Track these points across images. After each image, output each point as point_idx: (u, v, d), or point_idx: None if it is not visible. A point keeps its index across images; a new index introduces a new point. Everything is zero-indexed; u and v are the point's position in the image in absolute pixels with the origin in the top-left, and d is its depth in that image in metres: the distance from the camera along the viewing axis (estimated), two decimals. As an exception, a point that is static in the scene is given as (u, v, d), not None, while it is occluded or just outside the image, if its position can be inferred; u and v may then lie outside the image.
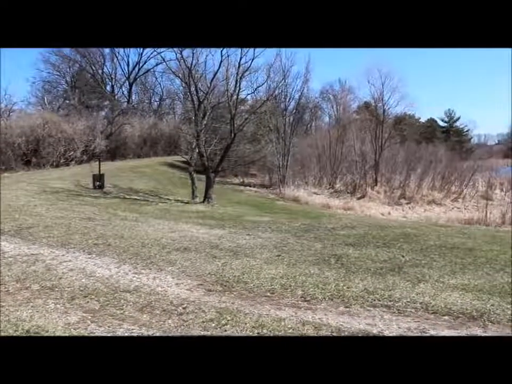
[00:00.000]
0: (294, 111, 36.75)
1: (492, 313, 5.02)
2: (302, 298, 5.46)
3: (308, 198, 24.71)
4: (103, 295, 5.32)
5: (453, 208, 25.00)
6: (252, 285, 5.95)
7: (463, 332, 4.48)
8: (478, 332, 4.50)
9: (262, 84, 27.62)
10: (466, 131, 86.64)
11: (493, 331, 4.53)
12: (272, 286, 5.89)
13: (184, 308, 4.99)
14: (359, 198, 27.54)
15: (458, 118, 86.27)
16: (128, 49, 51.36)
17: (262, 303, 5.27)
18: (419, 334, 4.45)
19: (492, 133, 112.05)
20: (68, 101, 46.26)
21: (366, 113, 41.37)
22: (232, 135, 20.14)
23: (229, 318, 4.67)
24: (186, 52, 18.96)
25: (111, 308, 4.94)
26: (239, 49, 19.04)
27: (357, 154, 33.90)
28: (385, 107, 35.54)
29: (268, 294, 5.62)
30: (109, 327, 4.45)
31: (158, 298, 5.31)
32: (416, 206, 25.42)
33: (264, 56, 49.28)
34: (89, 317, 4.65)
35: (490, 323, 4.74)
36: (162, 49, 29.71)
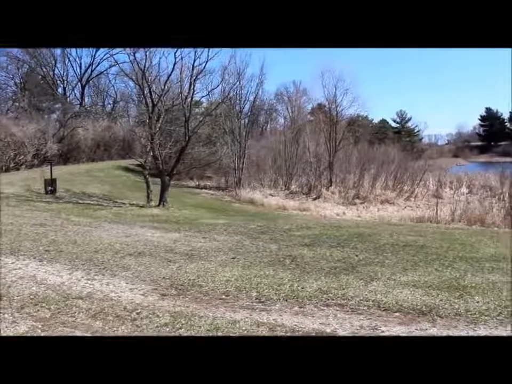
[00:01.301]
0: (249, 113, 36.89)
1: (441, 308, 5.17)
2: (257, 300, 5.48)
3: (263, 200, 24.81)
4: (54, 303, 5.21)
5: (405, 207, 25.57)
6: (206, 288, 5.94)
7: (412, 328, 4.60)
8: (427, 326, 4.63)
9: (217, 86, 27.56)
10: (417, 131, 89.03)
11: (441, 325, 4.66)
12: (227, 289, 5.89)
13: (138, 313, 4.93)
14: (314, 199, 27.83)
15: (410, 119, 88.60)
16: (81, 50, 50.40)
17: (216, 305, 5.27)
18: (421, 334, 4.52)
19: (441, 133, 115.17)
20: (17, 103, 45.00)
21: (320, 115, 41.83)
22: (187, 137, 20.05)
23: (183, 322, 4.65)
24: (140, 53, 18.79)
25: (63, 315, 4.84)
26: (193, 51, 18.98)
27: (312, 155, 34.26)
28: (338, 108, 36.15)
29: (223, 296, 5.62)
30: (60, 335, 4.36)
31: (111, 304, 5.23)
32: (370, 205, 25.87)
33: (219, 58, 49.29)
34: (40, 326, 4.54)
35: (438, 318, 4.88)
36: (115, 51, 29.29)
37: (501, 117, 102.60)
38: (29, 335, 4.33)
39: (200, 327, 4.55)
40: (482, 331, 4.52)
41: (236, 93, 33.98)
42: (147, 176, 20.29)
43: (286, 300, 5.47)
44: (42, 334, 4.39)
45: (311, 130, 38.92)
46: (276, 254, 8.21)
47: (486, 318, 4.88)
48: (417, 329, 4.57)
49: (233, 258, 7.77)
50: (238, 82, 32.77)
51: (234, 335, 4.42)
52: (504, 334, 4.46)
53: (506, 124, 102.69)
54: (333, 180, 32.59)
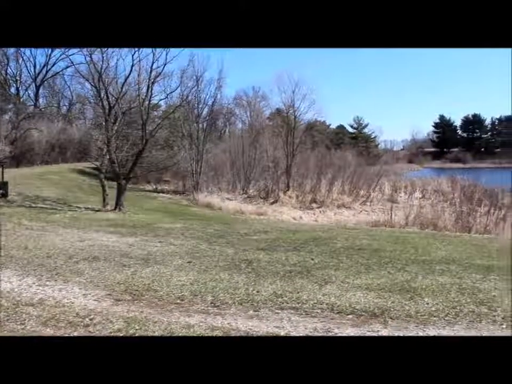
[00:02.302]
0: (208, 117, 36.78)
1: (392, 310, 5.30)
2: (212, 304, 5.48)
3: (221, 204, 24.78)
4: (4, 310, 5.08)
5: (361, 211, 26.02)
6: (161, 292, 5.91)
7: (364, 329, 4.69)
8: (379, 328, 4.73)
9: (175, 89, 27.30)
10: (374, 137, 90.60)
11: (392, 327, 4.78)
12: (182, 293, 5.87)
13: (91, 319, 4.86)
14: (272, 203, 27.99)
15: (367, 125, 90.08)
16: (35, 50, 49.09)
17: (171, 310, 5.25)
18: (421, 334, 4.60)
19: (397, 139, 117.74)
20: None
21: (278, 120, 42.13)
22: (144, 141, 19.82)
23: (137, 327, 4.61)
24: (97, 55, 18.46)
25: (12, 323, 4.72)
26: (151, 54, 18.79)
27: (270, 159, 34.48)
28: (296, 113, 36.50)
29: (178, 301, 5.60)
30: (8, 343, 4.25)
31: (64, 310, 5.14)
32: (326, 210, 26.19)
33: (177, 61, 49.00)
34: (-13, 333, 4.41)
35: (390, 319, 5.00)
36: (71, 51, 28.73)
37: (453, 124, 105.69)
38: (29, 335, 4.34)
39: (154, 332, 4.53)
40: (431, 331, 4.66)
41: (195, 96, 33.86)
42: (103, 179, 19.96)
43: (241, 304, 5.49)
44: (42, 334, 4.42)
45: (270, 135, 39.15)
46: (232, 258, 8.22)
47: (434, 319, 5.03)
48: (369, 331, 4.66)
49: (189, 262, 7.75)
50: (196, 86, 32.66)
51: (234, 335, 4.48)
52: (477, 333, 4.60)
53: (458, 131, 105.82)
54: (290, 184, 32.84)
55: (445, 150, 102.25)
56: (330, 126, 75.45)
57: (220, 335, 4.50)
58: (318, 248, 9.35)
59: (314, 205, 27.57)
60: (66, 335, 4.47)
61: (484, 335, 4.55)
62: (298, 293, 5.93)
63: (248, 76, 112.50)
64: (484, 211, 18.90)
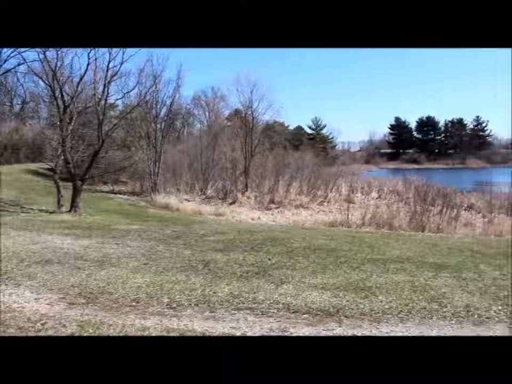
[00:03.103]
0: (166, 117, 36.43)
1: (347, 308, 5.39)
2: (168, 306, 5.45)
3: (179, 205, 24.56)
4: (-50, 316, 4.91)
5: (318, 212, 26.26)
6: (116, 295, 5.83)
7: (320, 328, 4.75)
8: (333, 326, 4.80)
9: (132, 89, 26.83)
10: (331, 138, 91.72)
11: (347, 325, 4.85)
12: (138, 295, 5.81)
13: (42, 324, 4.76)
14: (230, 204, 27.95)
15: (325, 126, 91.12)
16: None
17: (126, 313, 5.19)
18: (421, 334, 4.64)
19: (354, 140, 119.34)
20: None
21: (237, 120, 42.11)
22: (100, 141, 19.48)
23: (91, 331, 4.54)
24: (51, 52, 18.00)
25: (-42, 329, 4.57)
26: (108, 52, 18.49)
27: (228, 160, 34.44)
28: (254, 114, 36.56)
29: (133, 303, 5.54)
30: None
31: (14, 315, 5.00)
32: (284, 210, 26.32)
33: (135, 60, 48.10)
34: None
35: (345, 318, 5.08)
36: (23, 49, 28.01)
37: (409, 126, 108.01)
38: (29, 335, 4.33)
39: (108, 335, 4.46)
40: (384, 329, 4.76)
41: (153, 96, 33.48)
42: (57, 180, 19.50)
43: (197, 305, 5.48)
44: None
45: (228, 136, 39.09)
46: (189, 259, 8.18)
47: (388, 316, 5.15)
48: (324, 330, 4.73)
49: (145, 264, 7.67)
50: (154, 86, 32.28)
51: (234, 335, 4.51)
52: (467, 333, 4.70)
53: (413, 132, 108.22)
54: (248, 185, 32.87)
55: (400, 151, 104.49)
56: (289, 127, 75.90)
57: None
58: (275, 249, 9.40)
59: (272, 206, 27.68)
60: (65, 335, 4.46)
61: (483, 335, 4.61)
62: (254, 293, 5.96)
63: (207, 76, 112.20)
64: (437, 211, 19.40)
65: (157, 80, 32.36)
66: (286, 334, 4.63)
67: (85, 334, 4.47)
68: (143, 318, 5.01)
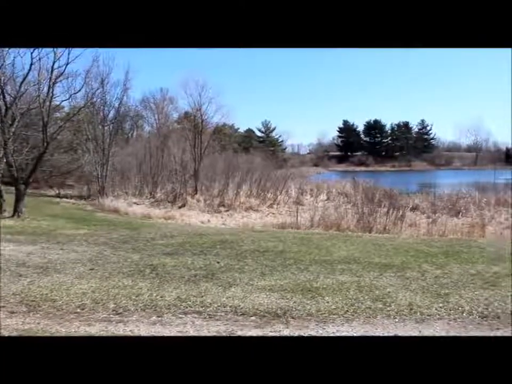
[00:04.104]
0: (114, 119, 35.80)
1: (294, 309, 5.45)
2: (114, 312, 5.36)
3: (128, 209, 24.16)
4: None
5: (268, 214, 26.36)
6: (60, 302, 5.69)
7: (267, 330, 4.78)
8: (281, 328, 4.84)
9: (79, 90, 26.14)
10: (281, 141, 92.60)
11: (293, 326, 4.90)
12: (83, 302, 5.69)
13: (-20, 334, 4.58)
14: (179, 207, 27.69)
15: (274, 129, 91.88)
16: None
17: (70, 320, 5.07)
18: (421, 335, 4.67)
19: (304, 142, 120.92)
20: None
21: (186, 123, 41.83)
22: (45, 143, 18.94)
23: (32, 340, 4.40)
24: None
25: None
26: (52, 52, 17.97)
27: (178, 163, 34.13)
28: (203, 117, 36.37)
29: (78, 310, 5.42)
30: None
31: (-50, 325, 4.81)
32: (234, 213, 26.30)
33: (81, 61, 47.16)
34: None
35: (292, 319, 5.14)
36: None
37: (357, 129, 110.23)
38: (29, 335, 4.33)
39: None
40: (330, 329, 4.84)
41: (100, 98, 32.81)
42: (-1, 184, 18.85)
43: (144, 310, 5.41)
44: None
45: (178, 138, 38.74)
46: (136, 263, 8.07)
47: (334, 316, 5.23)
48: (271, 331, 4.76)
49: (91, 269, 7.52)
50: (101, 87, 31.66)
51: (234, 335, 4.54)
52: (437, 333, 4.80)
53: (361, 135, 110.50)
54: (198, 188, 32.68)
55: (349, 153, 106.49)
56: (239, 130, 76.06)
57: (121, 343, 4.41)
58: (224, 251, 9.39)
59: (222, 208, 27.60)
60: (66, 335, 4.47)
61: (483, 335, 4.68)
62: (202, 296, 5.94)
63: (156, 78, 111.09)
64: (383, 212, 19.80)
65: (104, 82, 31.75)
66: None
67: (27, 343, 4.34)
68: (88, 325, 4.91)
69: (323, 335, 4.67)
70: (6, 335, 4.34)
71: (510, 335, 4.66)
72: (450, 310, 5.45)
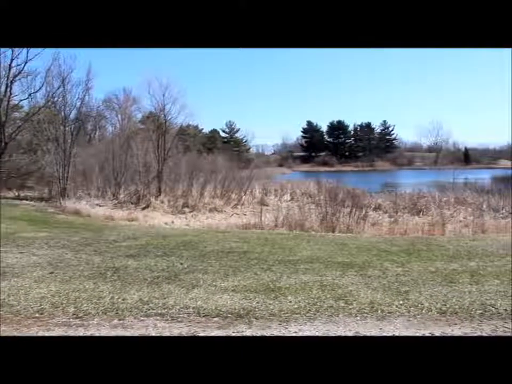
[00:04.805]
0: (75, 119, 35.18)
1: (257, 310, 5.45)
2: (74, 316, 5.26)
3: (90, 210, 23.78)
4: None
5: (232, 215, 26.36)
6: (18, 307, 5.54)
7: (230, 331, 4.77)
8: (243, 328, 4.84)
9: (39, 89, 25.66)
10: (245, 142, 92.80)
11: (256, 326, 4.91)
12: (42, 306, 5.56)
13: None
14: (143, 208, 27.43)
15: (238, 130, 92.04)
16: None
17: (28, 325, 4.94)
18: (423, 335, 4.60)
19: (268, 143, 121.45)
20: None
21: (150, 123, 41.39)
22: (3, 144, 18.51)
23: (-13, 346, 4.29)
24: None
25: None
26: (9, 50, 17.58)
27: (141, 164, 33.79)
28: (167, 117, 36.07)
29: (37, 315, 5.30)
30: None
31: None
32: (198, 214, 26.20)
33: (41, 59, 45.93)
34: None
35: (255, 319, 5.14)
36: None
37: (320, 129, 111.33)
38: (29, 335, 4.40)
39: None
40: (293, 328, 4.86)
41: (61, 98, 32.18)
42: (-45, 187, 18.32)
43: (105, 313, 5.33)
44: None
45: (141, 139, 38.33)
46: (98, 266, 7.95)
47: (296, 316, 5.26)
48: (234, 332, 4.75)
49: (51, 273, 7.36)
50: (62, 87, 31.07)
51: (233, 335, 4.53)
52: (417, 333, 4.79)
53: (325, 136, 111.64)
54: (162, 189, 32.44)
55: (313, 154, 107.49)
56: (203, 130, 75.82)
57: (81, 347, 4.34)
58: (188, 253, 9.34)
59: (186, 209, 27.45)
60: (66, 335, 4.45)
61: (483, 335, 4.67)
62: (165, 298, 5.89)
63: (119, 78, 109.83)
64: (346, 211, 20.04)
65: (65, 81, 31.19)
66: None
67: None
68: (47, 330, 4.80)
69: (319, 335, 4.68)
70: (6, 335, 4.35)
71: (510, 335, 4.67)
72: (410, 307, 5.55)
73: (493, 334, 4.72)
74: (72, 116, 34.10)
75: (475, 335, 4.64)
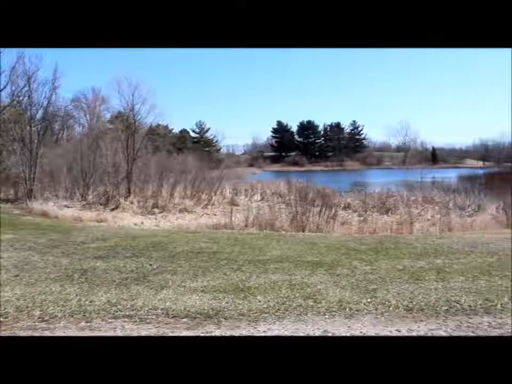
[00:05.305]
0: (42, 119, 34.54)
1: (226, 310, 5.45)
2: (40, 319, 5.17)
3: (58, 212, 23.37)
4: None
5: (203, 215, 26.25)
6: (-19, 311, 5.43)
7: (199, 331, 4.75)
8: (212, 329, 4.83)
9: (3, 88, 25.08)
10: (216, 142, 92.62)
11: (225, 326, 4.91)
12: (6, 310, 5.44)
13: None
14: (112, 209, 27.08)
15: (209, 129, 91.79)
16: None
17: (-8, 329, 4.84)
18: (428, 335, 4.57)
19: (239, 143, 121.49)
20: None
21: (119, 123, 40.94)
22: (-34, 145, 18.05)
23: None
24: None
25: None
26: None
27: (110, 164, 33.38)
28: (136, 117, 35.71)
29: (1, 319, 5.18)
30: None
31: None
32: (168, 214, 26.01)
33: (5, 57, 44.91)
34: None
35: (224, 319, 5.13)
36: None
37: (290, 129, 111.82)
38: (29, 335, 4.43)
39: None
40: (261, 327, 4.87)
41: (27, 97, 31.56)
42: None
43: (72, 316, 5.25)
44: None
45: (110, 139, 37.86)
46: (65, 268, 7.83)
47: (265, 315, 5.27)
48: (203, 333, 4.74)
49: (16, 276, 7.22)
50: (28, 86, 30.48)
51: (234, 335, 4.53)
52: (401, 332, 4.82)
53: (295, 136, 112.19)
54: (131, 190, 32.11)
55: (283, 154, 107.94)
56: (173, 131, 75.34)
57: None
58: (157, 253, 9.28)
59: (156, 210, 27.23)
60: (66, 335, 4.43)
61: (483, 335, 4.64)
62: (133, 300, 5.84)
63: (89, 78, 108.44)
64: (316, 211, 20.17)
65: (31, 80, 30.61)
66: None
67: None
68: (11, 334, 4.70)
69: (316, 335, 4.68)
70: (5, 335, 4.35)
71: (510, 335, 4.65)
72: (378, 305, 5.63)
73: (416, 326, 4.86)
74: (39, 115, 33.55)
75: (476, 335, 4.63)
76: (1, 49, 17.35)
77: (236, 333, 4.71)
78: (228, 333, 4.72)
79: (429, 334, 4.63)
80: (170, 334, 4.63)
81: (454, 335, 4.62)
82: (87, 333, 4.72)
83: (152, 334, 4.66)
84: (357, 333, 4.68)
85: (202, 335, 4.63)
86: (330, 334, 4.63)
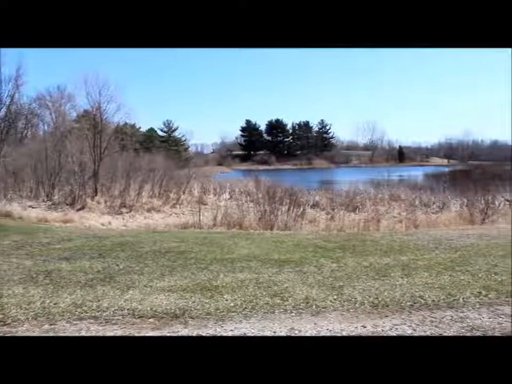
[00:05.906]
0: (5, 118, 33.83)
1: (193, 309, 5.44)
2: (2, 323, 5.05)
3: (22, 212, 22.91)
4: None
5: (171, 214, 26.12)
6: None
7: (165, 331, 4.73)
8: (179, 328, 4.81)
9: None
10: (184, 141, 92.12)
11: (192, 325, 4.89)
12: (-34, 314, 5.32)
13: None
14: (79, 209, 26.66)
15: (177, 128, 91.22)
16: None
17: (-49, 334, 4.72)
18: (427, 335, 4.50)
19: (207, 142, 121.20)
20: None
21: (85, 122, 40.32)
22: None
23: None
24: None
25: None
26: None
27: (76, 164, 32.90)
28: (103, 116, 35.27)
29: (-41, 324, 5.06)
30: None
31: None
32: (136, 214, 25.79)
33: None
34: None
35: (190, 319, 5.12)
36: None
37: (259, 128, 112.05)
38: (29, 335, 4.42)
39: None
40: (228, 326, 4.87)
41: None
42: None
43: (36, 319, 5.16)
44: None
45: (76, 138, 37.31)
46: (29, 270, 7.67)
47: (232, 314, 5.29)
48: (169, 332, 4.71)
49: (-23, 278, 7.05)
50: (-11, 84, 29.81)
51: (234, 335, 4.48)
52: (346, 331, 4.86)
53: (263, 135, 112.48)
54: (98, 189, 31.69)
55: (252, 152, 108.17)
56: (140, 129, 74.59)
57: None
58: (124, 254, 9.18)
59: (123, 210, 26.94)
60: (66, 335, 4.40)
61: (483, 335, 4.59)
62: (99, 301, 5.77)
63: (55, 76, 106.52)
64: (285, 209, 20.29)
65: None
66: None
67: None
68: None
69: (312, 335, 4.68)
70: (5, 335, 4.35)
71: (510, 335, 4.60)
72: (344, 302, 5.70)
73: (382, 321, 4.94)
74: (1, 113, 32.82)
75: (475, 335, 4.58)
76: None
77: (203, 332, 4.71)
78: (195, 332, 4.71)
79: (429, 334, 4.59)
80: (168, 334, 4.62)
81: (454, 335, 4.58)
82: (86, 334, 4.65)
83: (147, 335, 4.62)
84: (324, 330, 4.73)
85: (194, 335, 4.62)
86: (311, 334, 4.69)
